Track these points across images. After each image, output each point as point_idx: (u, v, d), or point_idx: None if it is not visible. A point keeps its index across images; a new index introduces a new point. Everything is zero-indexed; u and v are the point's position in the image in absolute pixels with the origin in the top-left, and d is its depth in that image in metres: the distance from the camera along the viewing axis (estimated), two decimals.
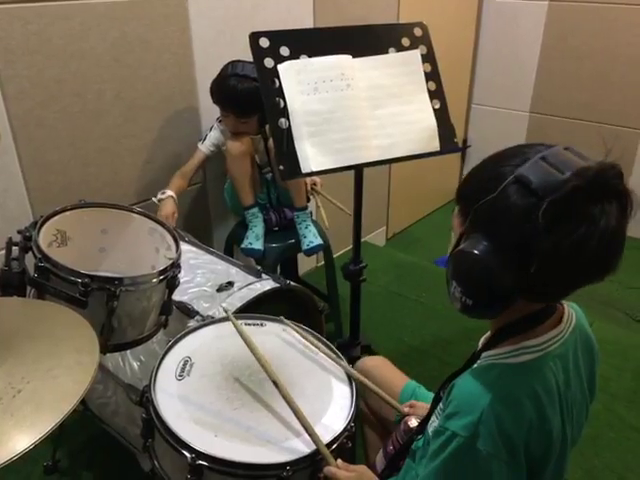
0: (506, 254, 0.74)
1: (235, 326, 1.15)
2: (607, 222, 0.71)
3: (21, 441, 0.66)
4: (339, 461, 0.99)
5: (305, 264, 2.61)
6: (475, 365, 0.88)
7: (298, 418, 1.01)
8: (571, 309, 0.91)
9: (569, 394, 0.86)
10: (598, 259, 0.73)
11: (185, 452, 0.96)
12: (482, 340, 0.94)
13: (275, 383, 1.05)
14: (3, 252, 1.21)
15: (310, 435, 0.99)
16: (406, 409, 1.16)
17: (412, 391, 1.25)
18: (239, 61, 1.82)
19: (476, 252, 0.76)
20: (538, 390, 0.80)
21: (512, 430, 0.78)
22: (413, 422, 1.06)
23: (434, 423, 0.92)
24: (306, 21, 2.27)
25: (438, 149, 1.51)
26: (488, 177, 0.78)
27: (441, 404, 0.92)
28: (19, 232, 1.21)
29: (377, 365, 1.35)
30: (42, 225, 1.22)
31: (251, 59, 1.40)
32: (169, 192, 1.83)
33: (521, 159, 0.76)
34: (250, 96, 1.75)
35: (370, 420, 1.32)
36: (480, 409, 0.78)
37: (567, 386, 0.85)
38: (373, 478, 1.01)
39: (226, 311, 1.21)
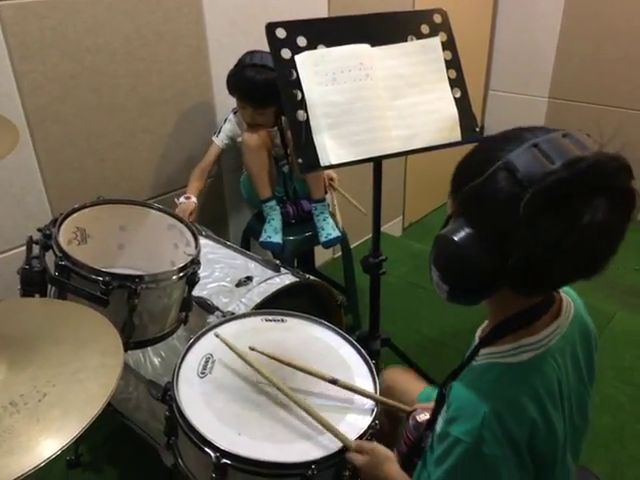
0: (485, 242, 0.72)
1: (231, 348, 1.15)
2: (592, 218, 0.67)
3: (48, 446, 0.66)
4: (355, 441, 0.99)
5: (321, 256, 2.59)
6: (474, 363, 0.85)
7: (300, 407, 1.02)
8: (569, 297, 0.89)
9: (570, 387, 0.84)
10: (580, 255, 0.70)
11: (209, 451, 0.96)
12: (479, 332, 0.93)
13: (280, 389, 1.06)
14: (24, 249, 1.20)
15: (325, 426, 1.00)
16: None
17: (428, 396, 1.23)
18: (257, 51, 1.79)
19: (454, 238, 0.74)
20: (539, 390, 0.78)
21: (516, 431, 0.76)
22: (422, 417, 1.04)
23: (440, 422, 0.90)
24: (320, 9, 2.24)
25: (459, 139, 1.48)
26: (480, 160, 0.76)
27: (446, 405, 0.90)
28: (39, 230, 1.21)
29: (396, 378, 1.32)
30: (62, 223, 1.21)
31: (267, 49, 1.38)
32: (193, 198, 1.82)
33: (516, 144, 0.72)
34: (268, 87, 1.72)
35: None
36: (482, 413, 0.76)
37: (567, 380, 0.84)
38: (386, 457, 0.98)
39: (217, 335, 1.20)
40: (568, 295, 0.90)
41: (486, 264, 0.72)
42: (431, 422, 0.97)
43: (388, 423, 1.28)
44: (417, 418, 1.04)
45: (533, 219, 0.68)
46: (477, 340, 0.91)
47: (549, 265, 0.71)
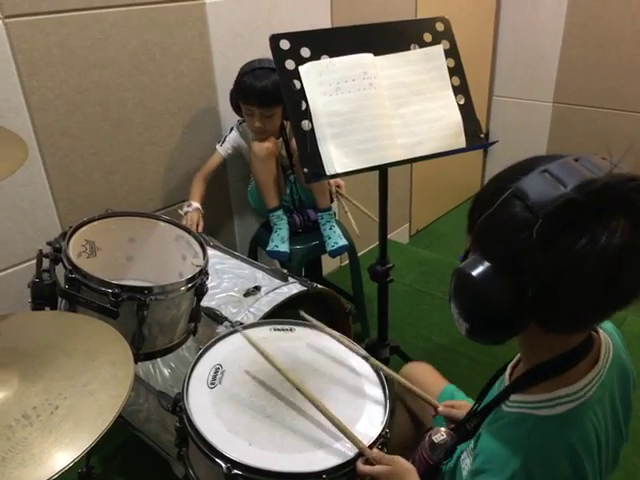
0: (502, 274, 0.69)
1: (249, 342, 1.16)
2: (609, 241, 0.63)
3: (61, 459, 0.66)
4: (374, 450, 0.98)
5: (329, 264, 2.60)
6: (504, 408, 0.82)
7: (324, 415, 1.01)
8: (607, 336, 0.85)
9: (608, 436, 0.80)
10: (602, 282, 0.66)
11: (220, 462, 0.96)
12: (509, 370, 0.90)
13: (298, 389, 1.07)
14: (34, 262, 1.21)
15: (343, 432, 0.99)
16: (440, 408, 1.13)
17: (450, 396, 1.23)
18: (253, 60, 1.81)
19: (472, 273, 0.71)
20: (576, 445, 0.74)
21: None
22: (438, 437, 1.03)
23: (466, 460, 0.89)
24: (324, 20, 2.26)
25: (464, 146, 1.48)
26: (492, 191, 0.73)
27: (472, 444, 0.88)
28: (48, 243, 1.22)
29: (418, 372, 1.33)
30: (71, 236, 1.22)
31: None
32: (194, 204, 1.84)
33: (527, 172, 0.70)
34: (272, 84, 1.72)
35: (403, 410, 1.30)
36: (511, 470, 0.73)
37: (605, 431, 0.79)
38: (407, 470, 0.96)
39: (240, 330, 1.22)
40: (607, 332, 0.85)
41: (505, 297, 0.69)
42: (449, 452, 0.96)
43: (413, 429, 1.27)
44: (433, 438, 1.04)
45: (547, 244, 0.65)
46: (507, 380, 0.88)
47: (571, 294, 0.67)
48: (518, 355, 0.89)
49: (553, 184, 0.67)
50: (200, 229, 1.78)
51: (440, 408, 1.13)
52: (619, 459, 0.88)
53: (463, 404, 1.12)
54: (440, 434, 1.03)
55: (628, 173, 0.67)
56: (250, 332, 1.25)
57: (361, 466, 0.97)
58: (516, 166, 0.75)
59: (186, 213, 1.83)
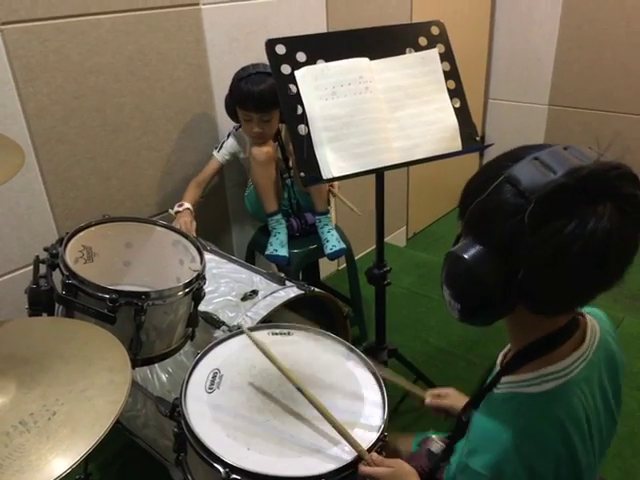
0: (494, 257, 0.72)
1: (253, 341, 1.14)
2: (597, 225, 0.67)
3: (58, 465, 0.66)
4: (373, 454, 0.98)
5: (326, 268, 2.60)
6: (495, 391, 0.84)
7: (325, 417, 1.01)
8: (595, 320, 0.87)
9: (600, 420, 0.82)
10: (589, 265, 0.69)
11: (218, 466, 0.96)
12: (500, 357, 0.91)
13: (300, 389, 1.05)
14: (31, 268, 1.21)
15: (343, 435, 0.99)
16: (427, 400, 1.13)
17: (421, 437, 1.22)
18: (247, 66, 1.81)
19: (464, 255, 0.74)
20: (564, 420, 0.76)
21: (538, 464, 0.75)
22: (435, 446, 1.03)
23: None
24: (319, 24, 2.26)
25: (460, 149, 1.49)
26: (485, 178, 0.76)
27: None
28: (45, 249, 1.22)
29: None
30: (68, 242, 1.22)
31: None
32: (186, 204, 1.85)
33: (518, 160, 0.73)
34: (269, 89, 1.73)
35: None
36: (502, 446, 0.75)
37: (596, 412, 0.81)
38: (409, 472, 0.97)
39: (240, 327, 1.21)
40: (595, 317, 0.88)
41: (496, 279, 0.72)
42: (448, 451, 0.96)
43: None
44: (431, 448, 1.04)
45: (538, 228, 0.68)
46: (498, 366, 0.90)
47: (558, 276, 0.70)
48: (509, 345, 0.90)
49: (543, 171, 0.70)
50: (193, 230, 1.77)
51: (427, 400, 1.13)
52: (611, 442, 0.90)
53: (450, 392, 1.13)
54: (436, 442, 1.04)
55: (613, 161, 0.70)
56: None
57: (363, 467, 0.97)
58: (507, 154, 0.77)
59: (177, 213, 1.83)
